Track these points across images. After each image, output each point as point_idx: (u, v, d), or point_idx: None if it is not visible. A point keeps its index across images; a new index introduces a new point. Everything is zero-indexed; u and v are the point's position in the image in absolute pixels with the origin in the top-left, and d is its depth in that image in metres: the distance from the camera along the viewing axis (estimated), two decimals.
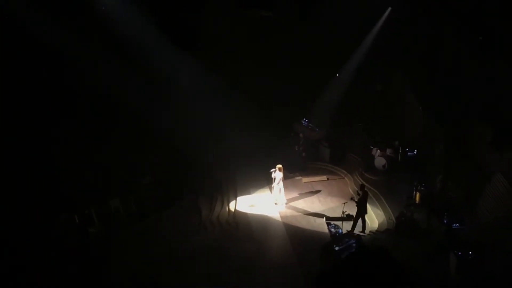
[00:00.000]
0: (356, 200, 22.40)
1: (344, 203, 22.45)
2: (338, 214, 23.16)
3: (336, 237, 21.46)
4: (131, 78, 26.51)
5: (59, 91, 24.77)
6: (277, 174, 24.21)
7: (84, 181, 24.11)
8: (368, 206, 23.31)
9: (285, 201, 24.95)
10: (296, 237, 22.07)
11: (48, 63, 23.87)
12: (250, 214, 24.28)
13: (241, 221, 23.60)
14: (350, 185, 27.22)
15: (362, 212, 22.39)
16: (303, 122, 31.74)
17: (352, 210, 22.65)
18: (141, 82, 27.25)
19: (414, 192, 23.86)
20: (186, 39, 25.37)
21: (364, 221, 22.62)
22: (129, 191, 25.07)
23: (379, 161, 27.55)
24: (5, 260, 19.60)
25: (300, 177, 28.13)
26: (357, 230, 22.41)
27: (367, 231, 22.56)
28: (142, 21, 25.64)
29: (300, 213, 24.21)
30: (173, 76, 28.83)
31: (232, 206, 24.98)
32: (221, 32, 28.90)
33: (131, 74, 26.46)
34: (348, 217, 22.61)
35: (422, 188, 23.79)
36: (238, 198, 25.64)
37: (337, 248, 19.65)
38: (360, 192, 22.62)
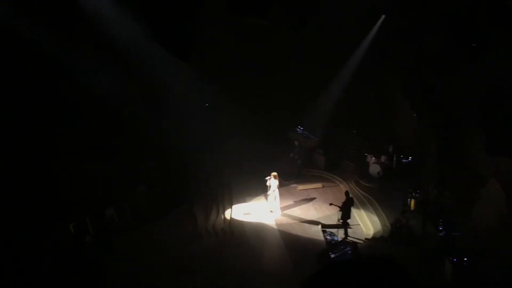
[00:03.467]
0: (337, 205, 22.55)
1: (340, 210, 22.47)
2: (333, 221, 23.20)
3: (332, 244, 21.53)
4: (126, 86, 26.48)
5: (55, 99, 24.73)
6: (273, 182, 24.26)
7: (78, 190, 24.01)
8: (355, 212, 23.77)
9: (280, 209, 24.97)
10: (292, 244, 22.12)
11: (45, 71, 23.83)
12: (245, 222, 24.31)
13: (236, 229, 23.62)
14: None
15: (344, 217, 22.55)
16: (298, 129, 31.80)
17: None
18: (136, 90, 27.23)
19: (409, 199, 23.95)
20: (181, 47, 25.36)
21: (346, 227, 22.76)
22: (124, 199, 25.03)
23: (374, 168, 27.65)
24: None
25: (295, 185, 28.15)
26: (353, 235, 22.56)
27: (362, 237, 22.68)
28: (138, 27, 25.67)
29: (295, 221, 24.24)
30: (168, 83, 28.81)
31: (227, 214, 24.99)
32: (216, 40, 28.94)
33: (126, 81, 26.44)
34: (343, 225, 22.73)
35: (417, 195, 23.89)
36: (234, 206, 25.66)
37: (332, 255, 19.75)
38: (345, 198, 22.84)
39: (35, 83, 23.71)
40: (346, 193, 23.29)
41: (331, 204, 22.94)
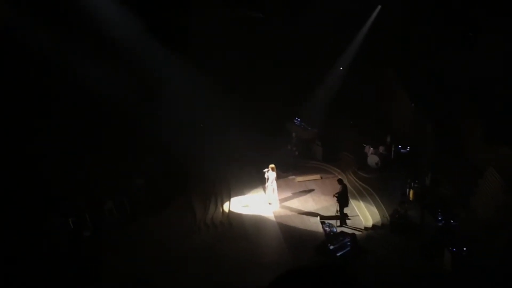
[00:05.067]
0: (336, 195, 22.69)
1: (335, 195, 22.57)
2: (332, 212, 23.21)
3: (331, 236, 21.46)
4: (123, 79, 26.45)
5: (52, 93, 24.73)
6: (270, 174, 24.19)
7: (77, 183, 24.03)
8: (354, 203, 24.25)
9: (279, 200, 24.93)
10: (291, 236, 22.09)
11: (42, 66, 23.83)
12: (244, 214, 24.28)
13: (235, 222, 23.61)
14: None
15: (342, 205, 22.72)
16: (296, 121, 31.72)
17: (347, 209, 22.93)
18: (133, 83, 27.19)
19: (407, 189, 23.91)
20: (176, 40, 25.31)
21: (343, 215, 22.91)
22: (123, 193, 24.98)
23: (372, 159, 27.56)
24: None
25: (293, 177, 28.10)
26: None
27: (361, 227, 22.67)
28: (132, 21, 25.62)
29: (294, 213, 24.20)
30: (164, 76, 28.74)
31: (226, 206, 24.99)
32: (212, 33, 28.83)
33: (123, 75, 26.42)
34: (341, 215, 22.78)
35: (416, 185, 23.83)
36: (232, 199, 25.63)
37: (331, 247, 19.72)
38: (339, 187, 22.91)
39: (32, 79, 23.73)
40: (340, 181, 23.28)
41: (334, 195, 22.93)
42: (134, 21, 25.70)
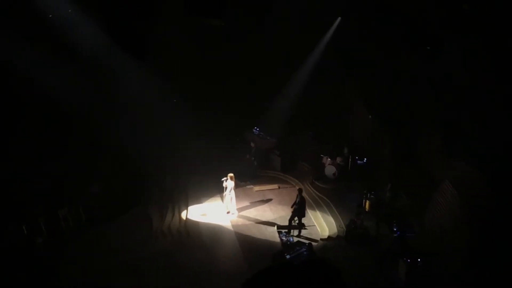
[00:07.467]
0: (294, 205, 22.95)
1: (293, 211, 22.68)
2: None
3: (287, 245, 21.54)
4: (80, 86, 26.14)
5: (6, 98, 24.30)
6: (229, 183, 24.17)
7: (31, 190, 23.63)
8: (310, 213, 24.53)
9: (237, 210, 24.92)
10: (248, 245, 22.11)
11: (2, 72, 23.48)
12: (201, 223, 24.18)
13: (192, 230, 23.49)
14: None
15: (299, 215, 22.91)
16: (254, 130, 31.78)
17: (303, 219, 23.06)
18: (91, 90, 26.88)
19: (363, 200, 24.15)
20: (135, 47, 25.11)
21: (300, 225, 23.08)
22: (78, 200, 24.63)
23: (329, 170, 27.80)
24: None
25: (251, 186, 28.14)
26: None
27: (317, 238, 22.77)
28: (91, 28, 25.35)
29: (251, 222, 24.22)
30: (123, 84, 28.48)
31: (183, 215, 24.85)
32: (171, 40, 28.71)
33: (80, 81, 26.11)
34: (299, 226, 22.87)
35: (372, 196, 24.10)
36: (189, 207, 25.52)
37: (288, 257, 19.75)
38: (298, 197, 23.08)
39: None
40: (300, 190, 23.42)
41: (292, 206, 23.04)
42: (95, 25, 25.44)
